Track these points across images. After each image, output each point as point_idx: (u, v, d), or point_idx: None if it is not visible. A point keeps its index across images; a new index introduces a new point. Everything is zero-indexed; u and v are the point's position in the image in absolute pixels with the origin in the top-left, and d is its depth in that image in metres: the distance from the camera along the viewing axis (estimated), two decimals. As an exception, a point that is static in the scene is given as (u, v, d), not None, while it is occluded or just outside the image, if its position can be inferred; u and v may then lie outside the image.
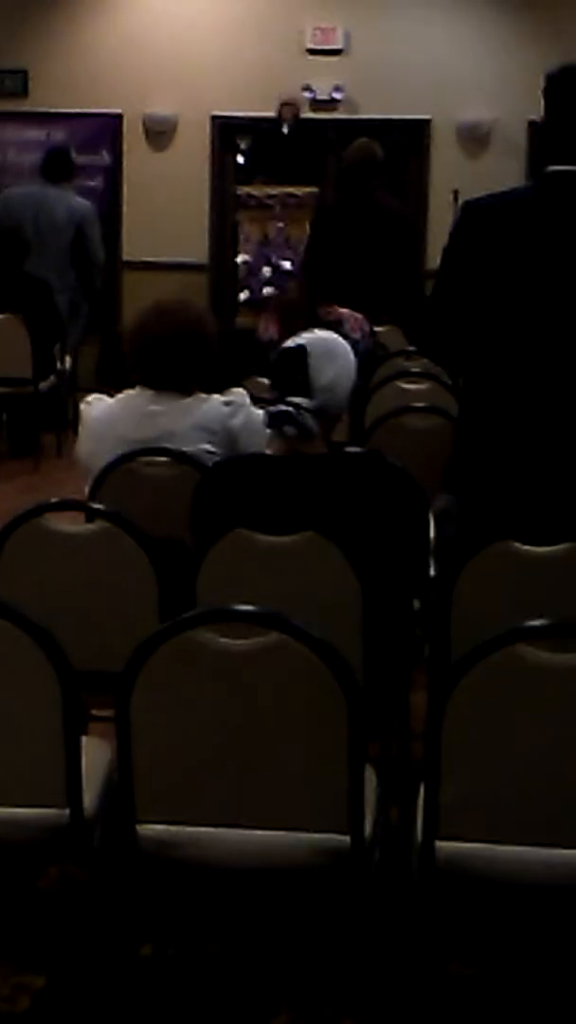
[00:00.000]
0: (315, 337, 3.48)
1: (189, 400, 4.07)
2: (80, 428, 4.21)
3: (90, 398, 4.25)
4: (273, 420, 3.38)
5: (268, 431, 3.46)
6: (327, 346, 3.46)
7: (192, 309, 4.17)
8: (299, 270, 9.25)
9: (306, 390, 3.35)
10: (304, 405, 3.34)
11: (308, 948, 3.31)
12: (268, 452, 3.50)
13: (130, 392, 4.14)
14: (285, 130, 10.92)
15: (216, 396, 4.10)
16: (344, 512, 3.36)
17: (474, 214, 3.72)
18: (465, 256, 3.67)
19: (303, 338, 3.46)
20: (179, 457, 3.97)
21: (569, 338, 3.60)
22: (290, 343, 3.44)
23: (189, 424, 4.03)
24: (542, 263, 3.60)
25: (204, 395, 4.09)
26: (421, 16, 11.37)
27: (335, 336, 3.56)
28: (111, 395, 4.21)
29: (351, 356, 3.50)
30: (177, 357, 4.04)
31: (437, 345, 3.95)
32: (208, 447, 3.98)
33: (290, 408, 3.35)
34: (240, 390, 4.18)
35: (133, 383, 4.15)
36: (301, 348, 3.39)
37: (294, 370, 3.36)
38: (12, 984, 3.17)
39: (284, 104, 10.91)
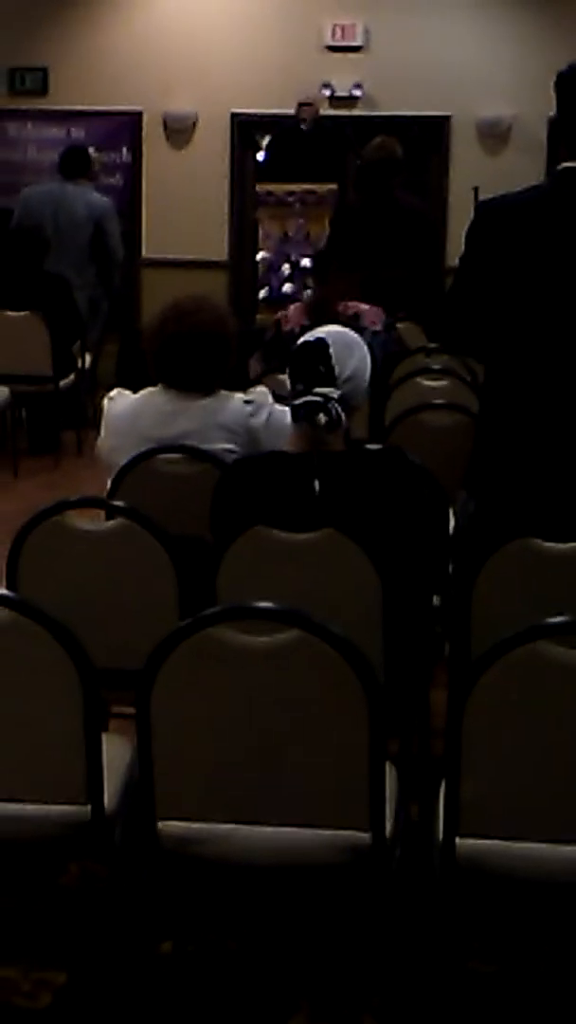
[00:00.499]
0: (332, 330, 3.50)
1: (211, 399, 4.06)
2: (102, 424, 4.21)
3: (112, 393, 4.25)
4: (302, 410, 3.37)
5: (290, 423, 3.46)
6: (346, 339, 3.48)
7: (212, 308, 4.14)
8: (315, 267, 9.24)
9: (331, 381, 3.35)
10: (333, 395, 3.34)
11: (328, 945, 3.31)
12: (290, 445, 3.49)
13: (152, 389, 4.13)
14: (303, 128, 10.88)
15: (238, 395, 4.09)
16: (364, 509, 3.35)
17: (488, 215, 3.72)
18: (482, 257, 3.68)
19: (320, 332, 3.47)
20: (199, 455, 3.97)
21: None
22: (308, 337, 3.45)
23: (211, 424, 4.03)
24: (557, 262, 3.59)
25: (226, 393, 4.08)
26: (441, 13, 11.35)
27: (348, 330, 3.57)
28: (133, 391, 4.20)
29: (366, 349, 3.51)
30: (198, 357, 4.03)
31: (458, 342, 3.95)
32: (229, 446, 3.98)
33: (320, 398, 3.35)
34: (262, 389, 4.18)
35: (153, 382, 4.14)
36: (321, 341, 3.40)
37: (317, 362, 3.36)
38: (33, 980, 3.18)
39: (302, 105, 10.88)
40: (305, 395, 3.37)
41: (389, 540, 3.33)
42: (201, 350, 4.02)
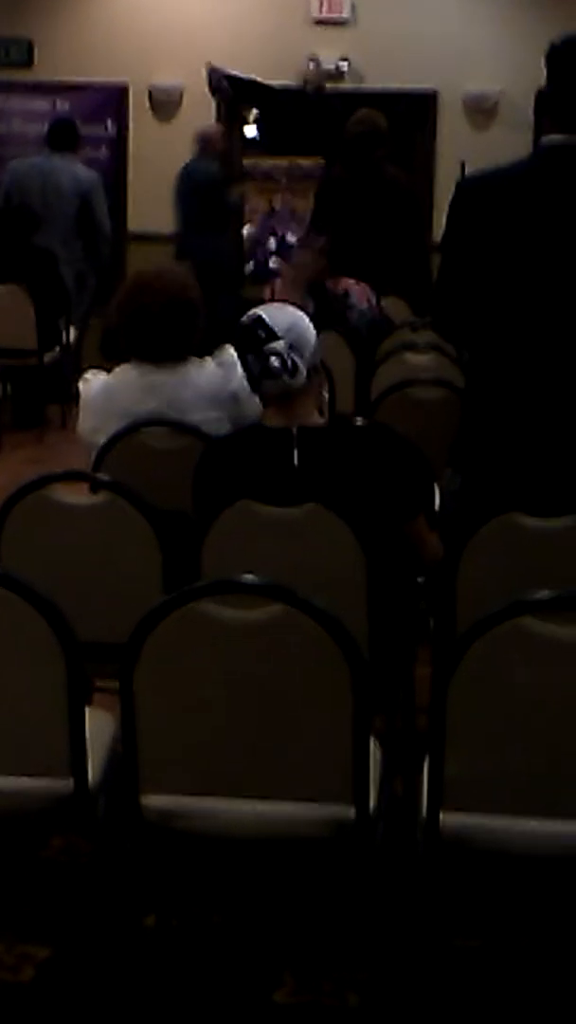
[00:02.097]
0: (262, 306, 3.53)
1: (186, 368, 4.06)
2: (80, 407, 4.20)
3: (87, 375, 4.24)
4: (257, 367, 3.40)
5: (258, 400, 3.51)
6: (276, 306, 3.55)
7: (174, 276, 4.17)
8: (301, 242, 9.22)
9: (273, 337, 3.38)
10: (279, 345, 3.37)
11: (312, 919, 3.31)
12: (265, 416, 3.51)
13: (125, 366, 4.13)
14: (307, 92, 10.79)
15: (209, 360, 4.09)
16: (345, 482, 3.36)
17: (468, 192, 3.71)
18: (463, 235, 3.67)
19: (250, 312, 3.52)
20: (182, 428, 3.96)
21: (570, 312, 3.59)
22: (242, 320, 3.49)
23: (191, 394, 4.03)
24: (541, 237, 3.58)
25: (198, 361, 4.09)
26: (428, -14, 11.32)
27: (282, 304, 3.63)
28: (109, 370, 4.19)
29: (302, 313, 3.54)
30: (164, 327, 4.04)
31: (446, 324, 3.95)
32: (213, 414, 3.98)
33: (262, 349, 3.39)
34: (229, 347, 4.17)
35: (127, 357, 4.14)
36: (255, 314, 3.46)
37: (255, 330, 3.41)
38: (16, 954, 3.18)
39: (309, 72, 10.80)
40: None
41: (373, 514, 3.33)
42: (166, 319, 4.03)
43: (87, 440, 4.15)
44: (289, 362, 3.37)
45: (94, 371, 4.25)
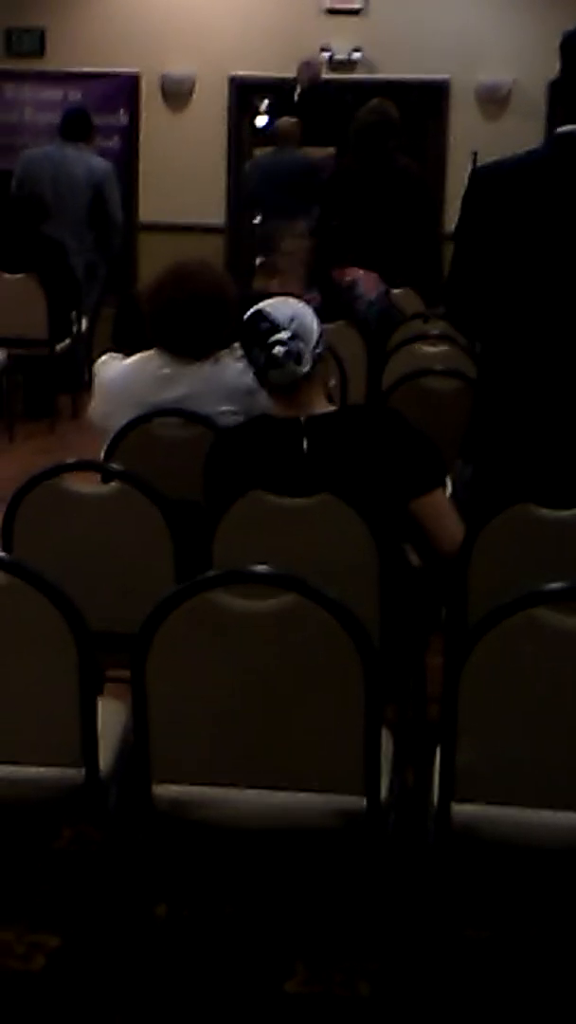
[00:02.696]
0: (267, 300, 3.54)
1: (208, 364, 4.04)
2: (95, 389, 4.19)
3: (103, 358, 4.22)
4: (262, 359, 3.41)
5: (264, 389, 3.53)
6: (277, 299, 3.55)
7: (212, 273, 4.12)
8: (312, 232, 9.19)
9: (276, 329, 3.39)
10: (282, 335, 3.38)
11: (323, 910, 3.32)
12: (274, 407, 3.51)
13: (146, 354, 4.11)
14: (297, 93, 10.77)
15: (226, 356, 4.07)
16: (358, 470, 3.35)
17: (483, 181, 3.71)
18: (478, 224, 3.66)
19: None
20: (195, 419, 3.96)
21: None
22: (246, 315, 3.50)
23: (207, 388, 4.01)
24: (554, 226, 3.58)
25: (221, 354, 4.07)
26: (440, -24, 11.30)
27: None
28: (126, 356, 4.18)
29: (302, 304, 3.54)
30: (195, 323, 4.01)
31: (459, 314, 3.94)
32: (229, 408, 3.97)
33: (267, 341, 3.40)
34: None
35: (150, 346, 4.12)
36: (257, 309, 3.47)
37: (257, 323, 3.43)
38: (27, 943, 3.18)
39: (304, 64, 10.77)
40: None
41: (384, 501, 3.33)
42: (199, 316, 4.00)
43: (98, 425, 4.14)
44: (294, 350, 3.38)
45: (111, 354, 4.22)
